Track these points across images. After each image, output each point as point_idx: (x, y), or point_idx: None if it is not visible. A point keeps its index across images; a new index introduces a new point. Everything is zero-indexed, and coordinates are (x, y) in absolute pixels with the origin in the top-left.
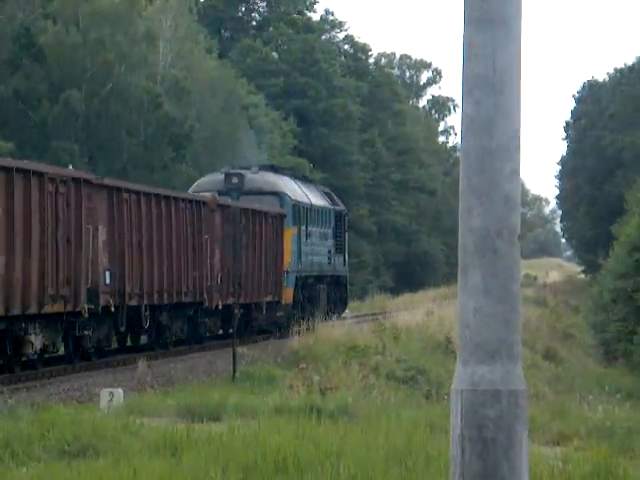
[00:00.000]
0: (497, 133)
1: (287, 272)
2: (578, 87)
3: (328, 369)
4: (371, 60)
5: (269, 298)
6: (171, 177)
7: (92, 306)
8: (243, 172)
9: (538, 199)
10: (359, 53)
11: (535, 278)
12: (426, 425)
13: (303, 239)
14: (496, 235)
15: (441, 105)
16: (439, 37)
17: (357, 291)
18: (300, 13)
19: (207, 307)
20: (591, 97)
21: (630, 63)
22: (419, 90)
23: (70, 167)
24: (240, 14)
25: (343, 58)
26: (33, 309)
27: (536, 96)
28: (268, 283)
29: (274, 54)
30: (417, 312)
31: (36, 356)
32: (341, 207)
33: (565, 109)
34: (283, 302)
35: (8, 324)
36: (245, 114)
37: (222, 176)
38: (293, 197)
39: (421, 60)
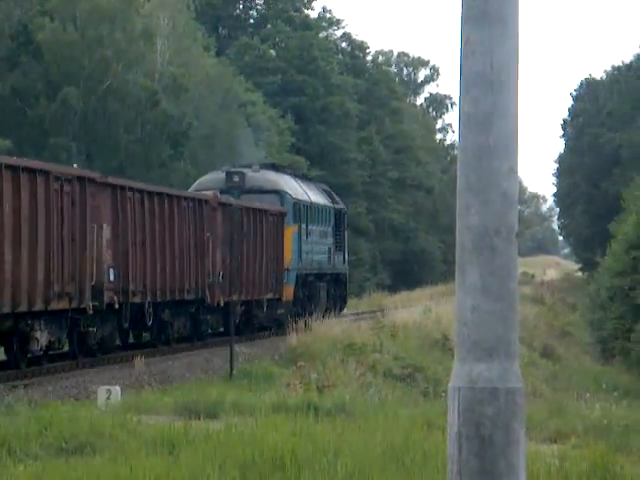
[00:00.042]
0: (495, 131)
1: (288, 270)
2: (576, 85)
3: (326, 367)
4: (369, 58)
5: (270, 295)
6: (169, 174)
7: (97, 303)
8: (244, 170)
9: (535, 197)
10: (357, 51)
11: (532, 276)
12: (423, 423)
13: (303, 237)
14: (494, 233)
15: (439, 103)
16: (437, 35)
17: (354, 289)
18: (298, 11)
19: (209, 304)
20: (589, 95)
21: (628, 61)
22: (417, 88)
23: (75, 166)
24: (238, 12)
25: (340, 56)
26: (39, 306)
27: (534, 94)
28: (269, 281)
29: (272, 52)
30: (414, 310)
31: (41, 352)
32: (341, 205)
33: (563, 107)
34: (284, 299)
35: (15, 321)
36: (243, 112)
37: (223, 174)
38: (294, 195)
39: (419, 58)
